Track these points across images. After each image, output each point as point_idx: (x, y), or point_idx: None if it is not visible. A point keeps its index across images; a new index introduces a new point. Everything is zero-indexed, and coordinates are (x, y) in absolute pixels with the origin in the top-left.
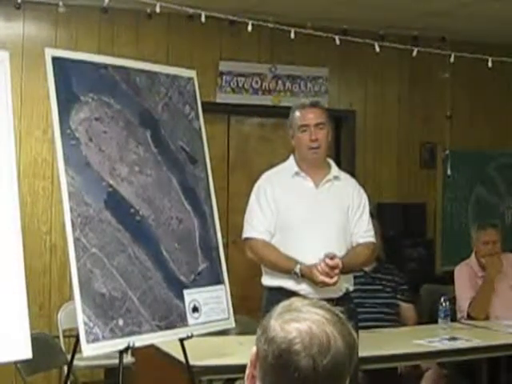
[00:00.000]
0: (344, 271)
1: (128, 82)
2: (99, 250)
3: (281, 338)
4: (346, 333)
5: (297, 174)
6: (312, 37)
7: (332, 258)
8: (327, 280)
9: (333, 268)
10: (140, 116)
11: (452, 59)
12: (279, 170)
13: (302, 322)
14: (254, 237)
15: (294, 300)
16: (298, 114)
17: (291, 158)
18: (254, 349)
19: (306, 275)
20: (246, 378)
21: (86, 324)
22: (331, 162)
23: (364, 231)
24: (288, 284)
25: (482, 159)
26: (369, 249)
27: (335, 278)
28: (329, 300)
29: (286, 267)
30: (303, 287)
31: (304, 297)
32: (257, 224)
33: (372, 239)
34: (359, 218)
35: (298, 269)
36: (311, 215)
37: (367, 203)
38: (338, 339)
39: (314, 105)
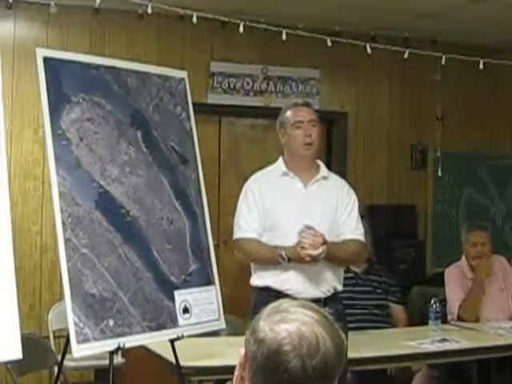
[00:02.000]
0: (328, 254)
1: (119, 83)
2: (90, 251)
3: (270, 338)
4: (334, 334)
5: (285, 174)
6: (303, 38)
7: (311, 228)
8: (312, 252)
9: (315, 237)
10: (131, 116)
11: (443, 61)
12: (268, 171)
13: (291, 322)
14: (241, 237)
15: (283, 301)
16: (290, 112)
17: (280, 159)
18: (243, 350)
19: (292, 256)
20: (234, 379)
21: (76, 324)
22: (320, 162)
23: (352, 230)
24: (276, 284)
25: (473, 161)
26: (356, 244)
27: (320, 250)
28: (317, 300)
29: (272, 255)
30: (291, 287)
31: (292, 297)
32: (244, 225)
33: (361, 237)
34: (347, 216)
35: (283, 252)
36: (299, 215)
37: (356, 203)
38: (327, 340)
39: (305, 104)
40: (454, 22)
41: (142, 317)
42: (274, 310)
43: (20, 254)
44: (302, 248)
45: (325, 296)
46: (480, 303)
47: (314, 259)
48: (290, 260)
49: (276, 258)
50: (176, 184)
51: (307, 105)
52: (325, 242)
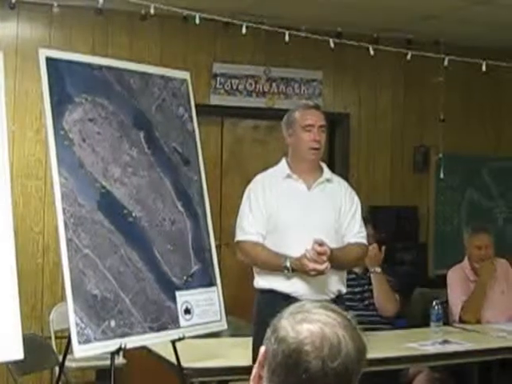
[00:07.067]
0: (332, 263)
1: (122, 84)
2: (92, 251)
3: (291, 337)
4: (356, 337)
5: (288, 176)
6: (306, 39)
7: (321, 244)
8: (318, 266)
9: (321, 254)
10: (134, 117)
11: (446, 63)
12: (270, 172)
13: (313, 323)
14: (244, 239)
15: (305, 302)
16: (301, 113)
17: (283, 160)
18: (263, 349)
19: (296, 267)
20: (252, 377)
21: (77, 325)
22: (323, 165)
23: (355, 232)
24: (280, 286)
25: (475, 163)
26: (360, 248)
27: (325, 265)
28: None
29: (277, 263)
30: (295, 289)
31: (297, 299)
32: (247, 227)
33: (363, 240)
34: (351, 219)
35: (288, 262)
36: (303, 217)
37: (359, 206)
38: (348, 343)
39: (317, 107)
40: (456, 23)
41: (143, 317)
42: (296, 309)
43: (22, 254)
44: (308, 260)
45: (329, 298)
46: (482, 305)
47: (319, 273)
48: (294, 271)
49: (280, 268)
50: (178, 185)
51: (317, 108)
52: (331, 256)
